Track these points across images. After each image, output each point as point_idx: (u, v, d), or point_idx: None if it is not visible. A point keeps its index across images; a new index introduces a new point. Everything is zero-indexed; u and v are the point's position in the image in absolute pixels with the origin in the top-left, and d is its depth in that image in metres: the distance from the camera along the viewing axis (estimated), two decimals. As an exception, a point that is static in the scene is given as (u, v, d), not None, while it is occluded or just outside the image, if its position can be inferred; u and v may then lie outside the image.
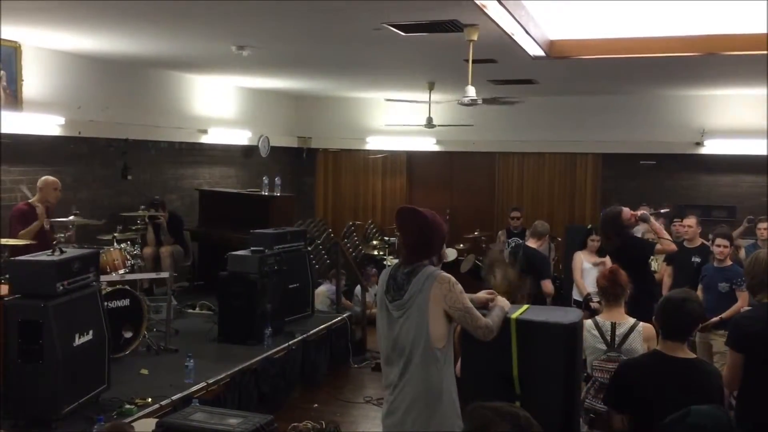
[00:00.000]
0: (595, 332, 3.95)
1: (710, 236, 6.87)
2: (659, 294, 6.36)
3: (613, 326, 3.96)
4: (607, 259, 6.76)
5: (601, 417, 3.70)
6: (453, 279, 3.23)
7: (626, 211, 6.03)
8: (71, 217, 6.51)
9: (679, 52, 6.21)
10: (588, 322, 3.93)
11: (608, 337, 3.93)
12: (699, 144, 10.24)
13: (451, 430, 3.18)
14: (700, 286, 6.31)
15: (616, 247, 5.95)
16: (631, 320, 4.00)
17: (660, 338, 3.37)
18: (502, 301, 3.46)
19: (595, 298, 5.44)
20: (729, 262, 6.22)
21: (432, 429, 3.20)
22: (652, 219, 6.18)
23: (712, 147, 10.17)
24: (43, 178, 6.77)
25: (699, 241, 7.12)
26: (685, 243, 7.21)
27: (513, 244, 8.36)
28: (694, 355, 3.36)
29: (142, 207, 7.95)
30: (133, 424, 4.67)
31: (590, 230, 7.51)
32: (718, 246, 6.19)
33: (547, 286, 6.63)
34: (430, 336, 3.16)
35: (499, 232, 10.32)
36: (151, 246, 8.32)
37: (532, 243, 7.01)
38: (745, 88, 9.26)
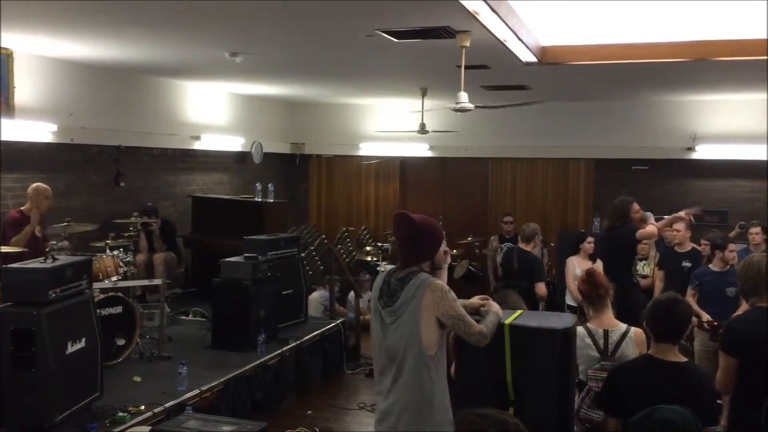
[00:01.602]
0: (588, 340, 3.92)
1: (702, 241, 6.90)
2: (641, 294, 6.50)
3: (606, 333, 3.93)
4: (599, 264, 6.80)
5: (596, 427, 3.69)
6: (446, 287, 3.22)
7: (636, 205, 6.57)
8: (64, 224, 6.49)
9: (671, 58, 6.24)
10: (580, 330, 3.90)
11: (601, 345, 3.92)
12: (691, 149, 10.29)
13: None
14: (690, 290, 6.32)
15: (607, 233, 6.66)
16: (623, 326, 3.99)
17: (651, 342, 3.38)
18: (496, 307, 3.47)
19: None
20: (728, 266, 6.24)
21: (424, 436, 3.19)
22: (651, 218, 6.63)
23: (703, 152, 10.21)
24: (34, 185, 6.73)
25: (689, 246, 7.15)
26: (675, 248, 7.25)
27: (506, 249, 8.44)
28: (685, 359, 3.37)
29: (135, 214, 7.94)
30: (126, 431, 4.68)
31: (583, 234, 7.55)
32: (731, 251, 6.21)
33: (541, 288, 6.73)
34: (422, 343, 3.16)
35: (492, 238, 10.36)
36: (144, 253, 8.30)
37: (523, 246, 7.08)
38: (738, 93, 9.30)
